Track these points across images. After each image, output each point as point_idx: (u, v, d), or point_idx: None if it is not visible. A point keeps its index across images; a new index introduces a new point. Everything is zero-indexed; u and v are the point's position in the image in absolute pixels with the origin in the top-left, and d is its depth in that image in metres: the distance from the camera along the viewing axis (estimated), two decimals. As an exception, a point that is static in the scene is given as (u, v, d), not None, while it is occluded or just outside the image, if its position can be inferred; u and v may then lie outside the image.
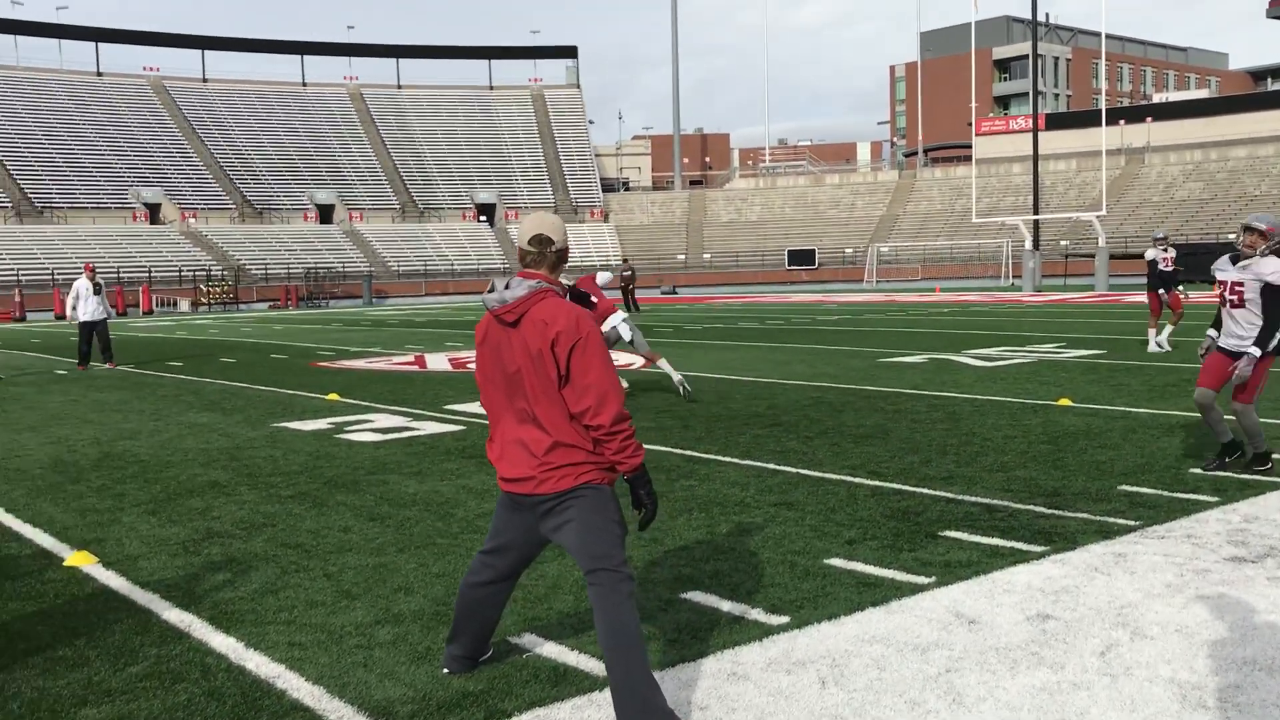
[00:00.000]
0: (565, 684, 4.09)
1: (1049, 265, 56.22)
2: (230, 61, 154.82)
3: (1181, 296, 16.93)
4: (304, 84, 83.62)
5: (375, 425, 11.03)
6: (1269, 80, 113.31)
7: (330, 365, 18.56)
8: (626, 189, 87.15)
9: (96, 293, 19.31)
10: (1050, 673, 4.07)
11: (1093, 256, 49.48)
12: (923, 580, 5.26)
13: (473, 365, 17.34)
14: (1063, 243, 60.95)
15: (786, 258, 69.79)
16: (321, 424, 11.24)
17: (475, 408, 12.17)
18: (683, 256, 73.27)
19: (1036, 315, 28.16)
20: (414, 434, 10.39)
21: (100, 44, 76.52)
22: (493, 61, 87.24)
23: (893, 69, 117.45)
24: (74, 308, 19.27)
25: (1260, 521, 6.21)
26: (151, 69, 78.37)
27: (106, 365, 19.26)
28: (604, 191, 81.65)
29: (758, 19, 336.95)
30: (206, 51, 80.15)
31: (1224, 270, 7.60)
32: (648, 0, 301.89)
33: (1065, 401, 11.10)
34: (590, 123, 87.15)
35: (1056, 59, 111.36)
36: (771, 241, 73.75)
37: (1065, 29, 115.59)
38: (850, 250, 70.72)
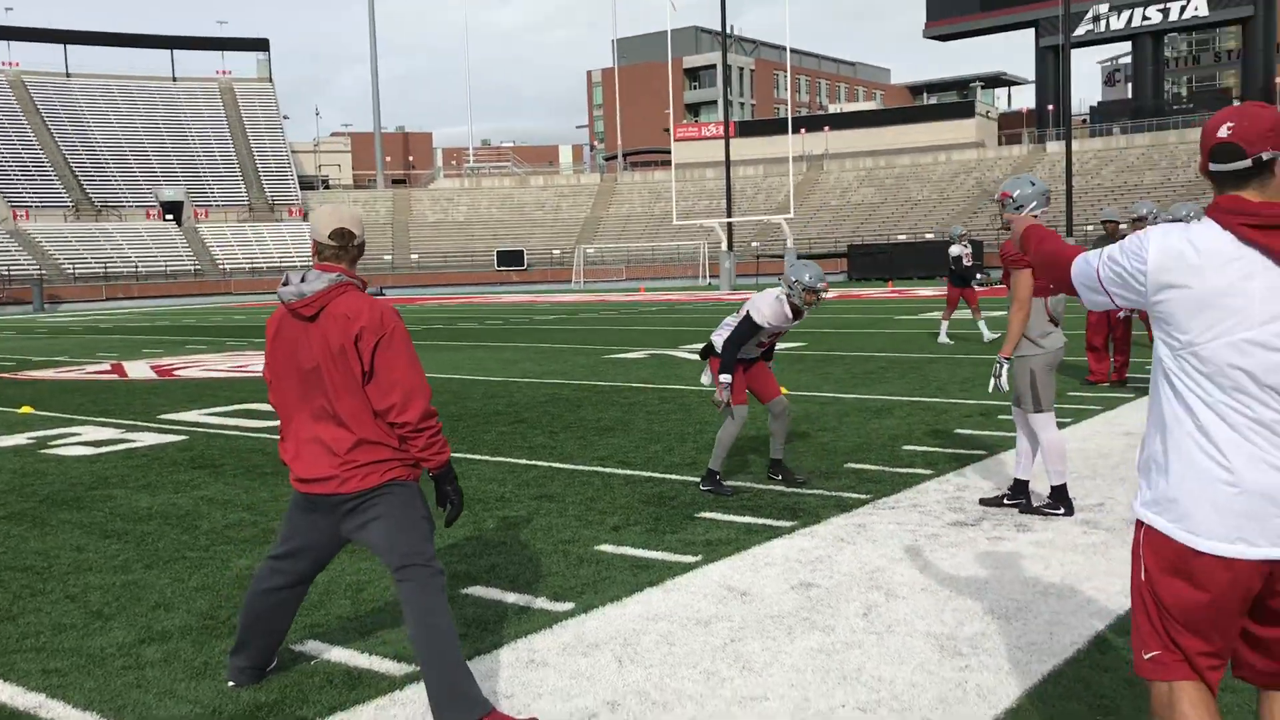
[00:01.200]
0: (363, 686, 4.03)
1: (742, 265, 59.29)
2: None
3: (978, 291, 17.99)
4: (-46, 68, 75.51)
5: (84, 438, 10.22)
6: (925, 95, 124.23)
7: (13, 376, 16.94)
8: (326, 187, 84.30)
9: None
10: (823, 635, 4.41)
11: (782, 256, 52.63)
12: (690, 559, 5.52)
13: (180, 373, 16.35)
14: (754, 244, 64.44)
15: (496, 258, 69.87)
16: (20, 439, 10.29)
17: (195, 416, 11.51)
18: (389, 257, 71.84)
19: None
20: (131, 446, 9.72)
21: None
22: (176, 52, 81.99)
23: (590, 74, 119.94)
24: None
25: (970, 489, 6.92)
26: None
27: None
28: (302, 189, 78.62)
29: (458, 18, 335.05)
30: None
31: None
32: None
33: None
34: (285, 118, 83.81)
35: (741, 69, 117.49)
36: (479, 242, 73.61)
37: (749, 41, 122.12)
38: (558, 251, 71.73)
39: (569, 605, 4.86)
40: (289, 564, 3.92)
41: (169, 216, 71.23)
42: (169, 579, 5.49)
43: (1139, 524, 2.59)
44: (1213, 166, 2.47)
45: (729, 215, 54.05)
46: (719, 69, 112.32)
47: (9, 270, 58.76)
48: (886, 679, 3.93)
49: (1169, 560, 2.48)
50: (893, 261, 53.05)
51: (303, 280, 3.66)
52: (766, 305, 6.92)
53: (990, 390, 6.21)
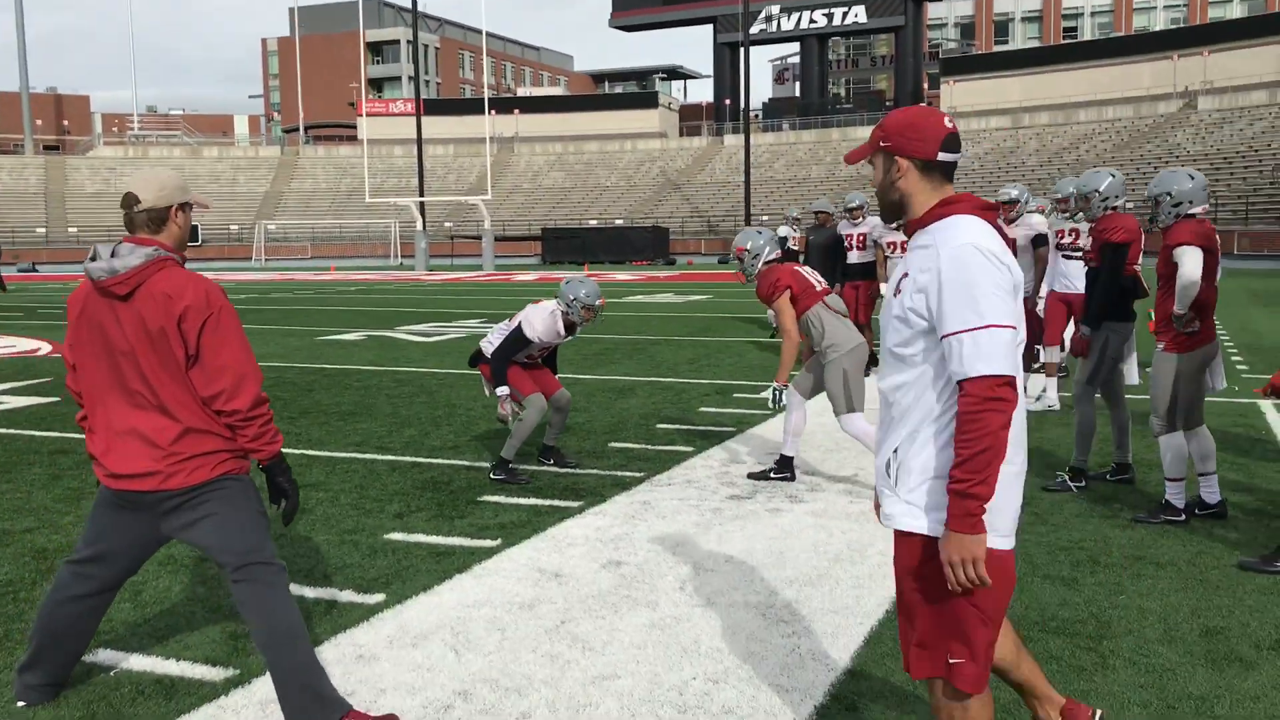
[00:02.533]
0: (182, 695, 3.71)
1: (435, 246, 58.56)
2: None
3: None
4: None
5: None
6: (607, 83, 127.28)
7: None
8: (-41, 151, 75.56)
9: None
10: (650, 610, 4.48)
11: (478, 238, 52.42)
12: (491, 543, 5.44)
13: None
14: (446, 224, 63.77)
15: (164, 234, 65.18)
16: None
17: None
18: (43, 230, 65.41)
19: (442, 293, 29.30)
20: None
21: None
22: None
23: (264, 42, 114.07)
24: None
25: (736, 464, 7.22)
26: None
27: None
28: (-69, 153, 70.10)
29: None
30: None
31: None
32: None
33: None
34: (-91, 71, 74.16)
35: (426, 46, 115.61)
36: (145, 216, 68.42)
37: (433, 18, 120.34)
38: (235, 227, 67.91)
39: (380, 597, 4.67)
40: (95, 568, 3.54)
41: None
42: (-105, 593, 4.80)
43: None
44: (944, 156, 2.58)
45: (421, 194, 53.14)
46: (403, 44, 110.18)
47: None
48: (725, 650, 4.06)
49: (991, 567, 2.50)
50: (586, 245, 54.09)
51: (113, 255, 3.29)
52: (539, 319, 6.83)
53: (771, 407, 6.52)
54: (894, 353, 2.62)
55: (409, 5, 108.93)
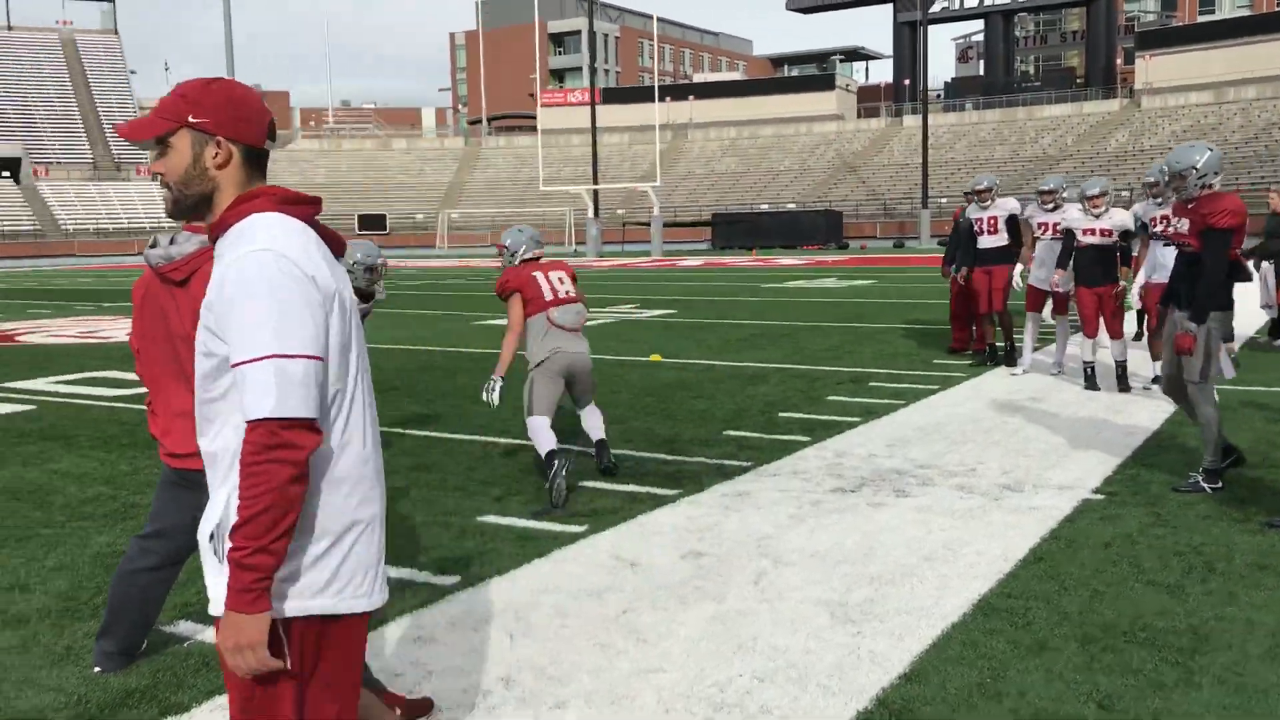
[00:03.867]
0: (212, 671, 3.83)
1: (609, 232, 59.31)
2: None
3: None
4: None
5: (-83, 409, 9.55)
6: (786, 66, 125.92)
7: None
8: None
9: None
10: (715, 604, 4.39)
11: (648, 224, 52.79)
12: (577, 529, 5.45)
13: (24, 338, 15.45)
14: (619, 211, 64.48)
15: (357, 222, 68.21)
16: None
17: (42, 384, 10.88)
18: (242, 220, 69.39)
19: (606, 278, 29.64)
20: (-29, 417, 9.12)
21: None
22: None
23: (453, 36, 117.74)
24: None
25: (848, 455, 7.02)
26: None
27: None
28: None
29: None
30: None
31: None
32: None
33: (656, 357, 11.84)
34: (132, 72, 79.78)
35: (606, 36, 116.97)
36: (340, 205, 71.74)
37: (614, 8, 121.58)
38: (421, 215, 70.46)
39: (455, 579, 4.73)
40: (159, 544, 3.70)
41: (5, 174, 67.31)
42: (22, 559, 5.15)
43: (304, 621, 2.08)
44: (268, 145, 2.17)
45: (595, 182, 53.84)
46: (583, 35, 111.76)
47: None
48: (781, 647, 3.94)
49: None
50: (757, 230, 53.77)
51: (171, 243, 3.43)
52: None
53: (484, 399, 6.29)
54: (201, 397, 2.11)
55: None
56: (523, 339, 6.44)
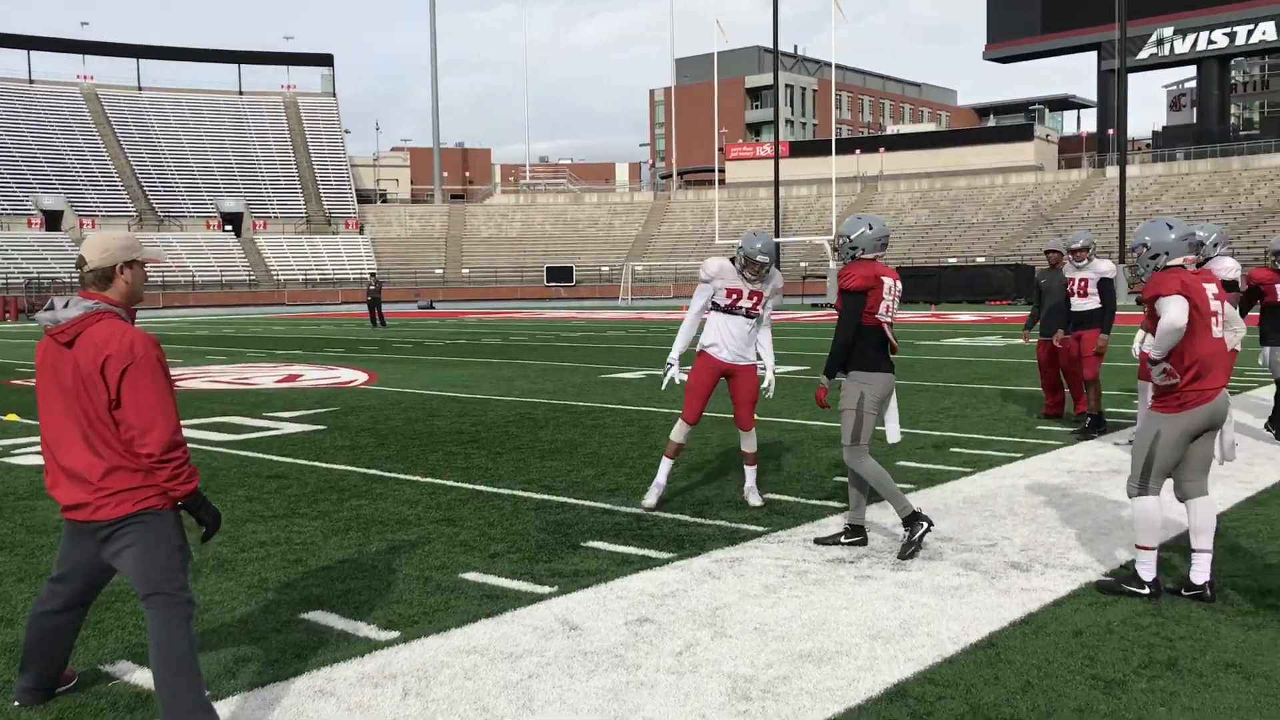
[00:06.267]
0: (142, 709, 4.04)
1: (790, 286, 59.00)
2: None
3: None
4: (30, 80, 77.97)
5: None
6: (990, 116, 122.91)
7: (14, 383, 17.36)
8: (384, 200, 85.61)
9: None
10: (625, 673, 4.33)
11: (824, 278, 52.26)
12: (545, 590, 5.47)
13: (185, 384, 16.62)
14: (802, 264, 64.11)
15: (545, 274, 70.34)
16: (-11, 446, 10.53)
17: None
18: (441, 271, 72.63)
19: (766, 333, 29.45)
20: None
21: None
22: (243, 66, 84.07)
23: (652, 93, 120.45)
24: None
25: (874, 525, 6.78)
26: None
27: None
28: (360, 203, 79.95)
29: (535, 37, 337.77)
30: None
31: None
32: (409, 12, 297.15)
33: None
34: (346, 132, 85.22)
35: (804, 89, 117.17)
36: (530, 258, 74.17)
37: (813, 61, 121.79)
38: (607, 268, 71.99)
39: (394, 634, 4.83)
40: (63, 587, 3.95)
41: (228, 227, 72.76)
42: (31, 593, 5.55)
43: None
44: None
45: (777, 234, 53.78)
46: (774, 88, 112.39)
47: (71, 277, 60.35)
48: (657, 722, 3.85)
49: None
50: (941, 284, 52.42)
51: (65, 306, 3.69)
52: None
53: None
54: None
55: (790, 51, 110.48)
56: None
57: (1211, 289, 5.20)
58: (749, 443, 7.50)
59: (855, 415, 6.17)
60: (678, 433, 7.41)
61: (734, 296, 7.30)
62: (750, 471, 7.51)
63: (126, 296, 3.82)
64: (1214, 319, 5.13)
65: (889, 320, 6.21)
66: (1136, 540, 5.27)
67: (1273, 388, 11.37)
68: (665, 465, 7.45)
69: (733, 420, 7.62)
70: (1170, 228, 5.20)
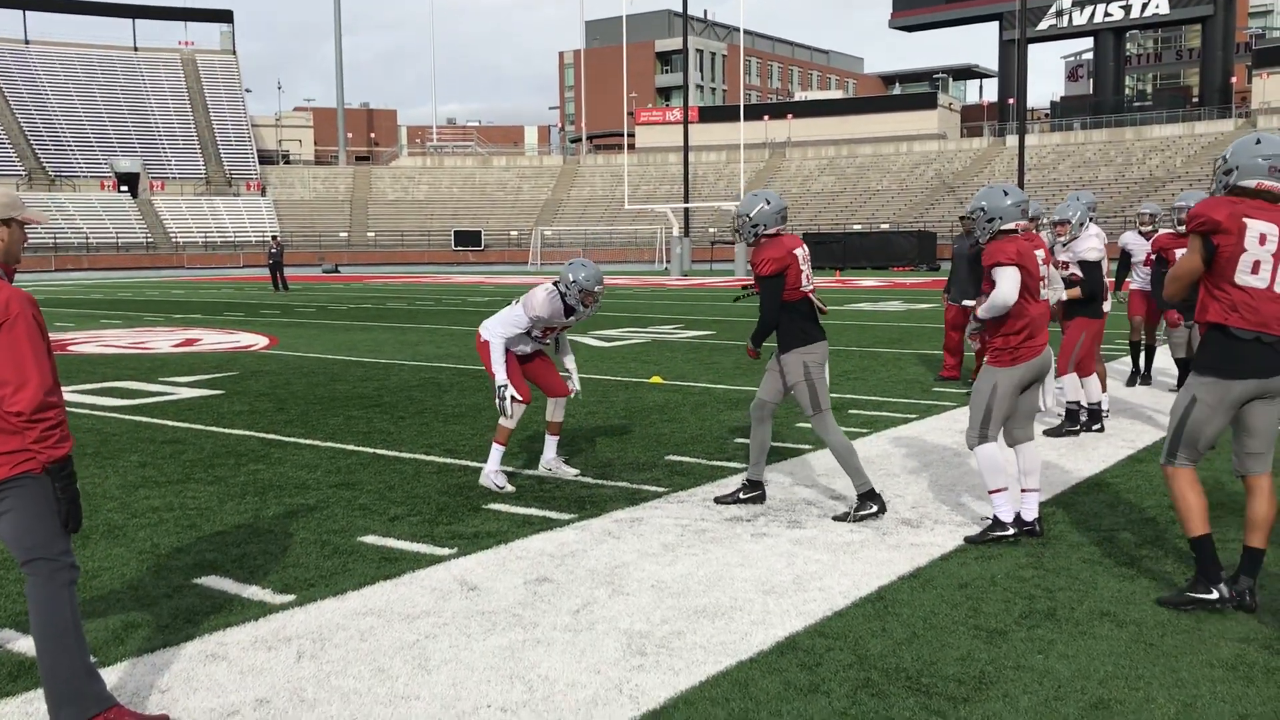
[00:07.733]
0: (25, 677, 3.96)
1: (699, 251, 59.31)
2: None
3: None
4: (-94, 32, 74.24)
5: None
6: (896, 85, 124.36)
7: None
8: (287, 162, 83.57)
9: None
10: (522, 632, 4.36)
11: (732, 243, 52.62)
12: (445, 552, 5.47)
13: (75, 348, 16.12)
14: (711, 230, 64.38)
15: (453, 238, 69.55)
16: None
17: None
18: (346, 234, 71.34)
19: (671, 298, 29.63)
20: None
21: None
22: (138, 21, 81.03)
23: (562, 55, 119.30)
24: None
25: (772, 484, 6.88)
26: None
27: None
28: (262, 164, 77.93)
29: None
30: None
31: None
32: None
33: (657, 379, 11.79)
34: (248, 91, 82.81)
35: (714, 54, 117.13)
36: (438, 221, 73.23)
37: (723, 26, 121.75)
38: (515, 233, 71.47)
39: (289, 598, 4.79)
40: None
41: (124, 188, 70.40)
42: (-91, 562, 5.39)
43: None
44: None
45: (686, 200, 53.94)
46: (683, 53, 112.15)
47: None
48: (552, 679, 3.89)
49: None
50: (846, 250, 53.17)
51: None
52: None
53: None
54: None
55: (699, 15, 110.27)
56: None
57: (1040, 254, 5.57)
58: (558, 412, 7.31)
59: (807, 385, 6.13)
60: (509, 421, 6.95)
61: (548, 333, 7.08)
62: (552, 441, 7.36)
63: (3, 255, 3.69)
64: (1042, 283, 5.56)
65: (811, 288, 6.23)
66: (987, 486, 5.62)
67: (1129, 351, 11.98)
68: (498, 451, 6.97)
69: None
70: (1006, 194, 5.56)
